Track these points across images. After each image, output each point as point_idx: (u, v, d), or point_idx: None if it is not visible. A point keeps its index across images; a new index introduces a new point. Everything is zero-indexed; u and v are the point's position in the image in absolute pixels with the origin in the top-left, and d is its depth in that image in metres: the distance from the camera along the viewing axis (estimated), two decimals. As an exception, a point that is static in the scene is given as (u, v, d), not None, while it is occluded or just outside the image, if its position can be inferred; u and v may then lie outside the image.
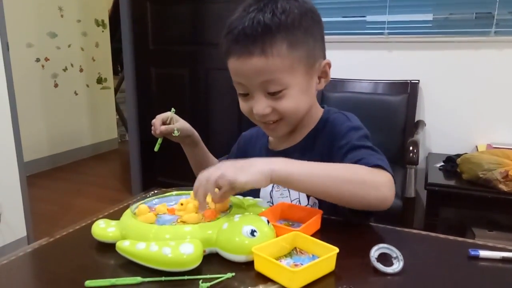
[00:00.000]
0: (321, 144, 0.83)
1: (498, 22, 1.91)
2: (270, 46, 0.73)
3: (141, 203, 0.71)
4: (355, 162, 0.71)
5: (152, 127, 0.91)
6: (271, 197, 0.88)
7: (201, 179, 0.64)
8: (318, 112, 0.89)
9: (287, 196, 0.85)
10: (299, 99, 0.78)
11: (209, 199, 0.72)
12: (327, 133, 0.83)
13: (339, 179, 0.67)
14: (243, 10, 0.77)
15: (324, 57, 0.82)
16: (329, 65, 0.82)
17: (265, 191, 0.88)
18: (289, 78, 0.75)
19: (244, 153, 0.95)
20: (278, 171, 0.65)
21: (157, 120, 0.91)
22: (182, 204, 0.69)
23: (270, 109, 0.77)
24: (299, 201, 0.85)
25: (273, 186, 0.87)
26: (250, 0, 0.78)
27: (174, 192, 0.79)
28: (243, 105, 0.82)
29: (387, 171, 0.70)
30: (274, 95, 0.76)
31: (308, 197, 0.84)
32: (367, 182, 0.68)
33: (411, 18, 2.12)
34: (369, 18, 2.20)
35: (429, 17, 2.12)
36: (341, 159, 0.75)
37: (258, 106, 0.77)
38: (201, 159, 1.00)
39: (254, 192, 0.88)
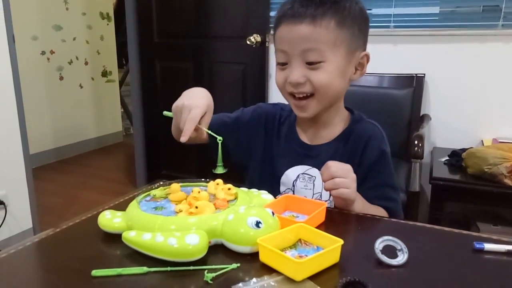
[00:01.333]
0: (352, 149, 0.87)
1: (505, 15, 1.89)
2: (320, 18, 0.79)
3: (172, 183, 0.73)
4: (385, 205, 0.84)
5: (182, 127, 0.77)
6: (293, 186, 0.89)
7: (340, 171, 0.73)
8: (345, 112, 0.93)
9: (310, 189, 0.88)
10: (334, 77, 0.82)
11: (214, 190, 0.72)
12: (360, 142, 0.87)
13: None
14: None
15: (365, 50, 0.87)
16: (367, 57, 0.86)
17: (288, 178, 0.90)
18: (329, 53, 0.80)
19: (260, 127, 0.95)
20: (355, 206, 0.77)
21: (190, 125, 0.76)
22: (199, 192, 0.69)
23: (304, 78, 0.81)
24: (321, 195, 0.88)
25: (298, 176, 0.89)
26: None
27: (180, 184, 0.79)
28: (279, 75, 0.84)
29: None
30: (311, 65, 0.80)
31: (330, 194, 0.85)
32: None
33: (417, 11, 2.10)
34: (375, 11, 2.18)
35: (435, 10, 2.10)
36: (369, 184, 0.80)
37: (294, 73, 0.81)
38: None
39: (274, 178, 0.90)
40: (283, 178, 0.90)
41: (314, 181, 0.88)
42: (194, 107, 0.76)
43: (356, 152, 0.87)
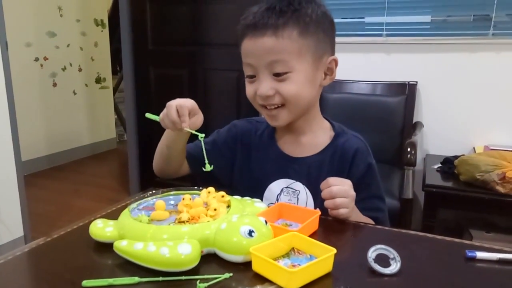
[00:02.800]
0: (340, 165, 0.87)
1: (495, 24, 1.92)
2: (282, 29, 0.78)
3: (157, 198, 0.73)
4: (374, 216, 0.85)
5: (174, 117, 0.77)
6: (277, 200, 0.88)
7: (342, 192, 0.74)
8: (324, 123, 0.92)
9: (294, 203, 0.86)
10: (302, 86, 0.81)
11: (206, 198, 0.72)
12: (347, 158, 0.87)
13: None
14: (264, 2, 0.82)
15: (333, 54, 0.85)
16: (335, 62, 0.85)
17: (272, 192, 0.88)
18: (295, 62, 0.79)
19: (236, 145, 0.94)
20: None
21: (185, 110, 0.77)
22: (190, 199, 0.69)
23: (273, 91, 0.80)
24: None
25: (282, 190, 0.87)
26: None
27: (172, 192, 0.79)
28: (249, 88, 0.84)
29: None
30: (279, 76, 0.79)
31: (315, 207, 0.85)
32: None
33: (409, 20, 2.13)
34: (367, 19, 2.21)
35: (427, 19, 2.13)
36: (358, 197, 0.80)
37: (263, 87, 0.80)
38: (184, 146, 0.91)
39: (257, 189, 0.89)
40: (267, 193, 0.88)
41: (298, 195, 0.86)
42: (181, 100, 0.78)
43: (344, 167, 0.86)
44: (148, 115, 0.82)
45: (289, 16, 0.78)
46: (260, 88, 0.80)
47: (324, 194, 0.75)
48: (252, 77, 0.83)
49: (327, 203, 0.74)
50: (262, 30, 0.78)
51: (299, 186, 0.87)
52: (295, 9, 0.79)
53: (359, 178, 0.85)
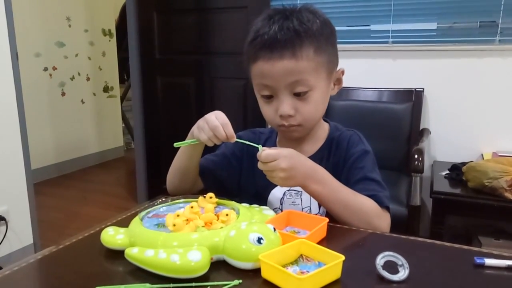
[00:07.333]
0: (336, 156, 0.88)
1: (502, 30, 1.92)
2: (300, 50, 0.78)
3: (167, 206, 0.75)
4: (369, 196, 0.79)
5: (220, 132, 0.76)
6: (281, 204, 0.89)
7: (267, 167, 0.73)
8: (324, 125, 0.94)
9: (298, 204, 0.87)
10: (319, 104, 0.83)
11: (202, 204, 0.72)
12: (342, 148, 0.88)
13: (352, 210, 0.77)
14: (268, 19, 0.80)
15: (337, 64, 0.87)
16: (343, 72, 0.87)
17: (275, 197, 0.89)
18: (314, 81, 0.80)
19: (243, 155, 0.95)
20: (309, 188, 0.76)
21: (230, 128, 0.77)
22: (192, 207, 0.70)
23: (294, 110, 0.81)
24: (310, 209, 0.87)
25: (284, 193, 0.89)
26: (270, 11, 0.82)
27: (181, 200, 0.79)
28: (267, 109, 0.84)
29: (389, 212, 0.82)
30: (299, 95, 0.80)
31: (319, 206, 0.85)
32: (371, 223, 0.77)
33: (415, 27, 2.13)
34: (373, 27, 2.21)
35: (433, 25, 2.13)
36: (352, 181, 0.81)
37: (284, 106, 0.80)
38: (199, 160, 0.92)
39: (262, 196, 0.90)
40: (270, 198, 0.89)
41: (301, 195, 0.87)
42: (216, 113, 0.77)
43: (340, 158, 0.87)
44: (176, 144, 0.79)
45: (303, 35, 0.78)
46: (281, 108, 0.80)
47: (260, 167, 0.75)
48: (269, 97, 0.83)
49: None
50: (279, 51, 0.77)
51: None
52: (308, 27, 0.78)
53: (351, 162, 0.86)
